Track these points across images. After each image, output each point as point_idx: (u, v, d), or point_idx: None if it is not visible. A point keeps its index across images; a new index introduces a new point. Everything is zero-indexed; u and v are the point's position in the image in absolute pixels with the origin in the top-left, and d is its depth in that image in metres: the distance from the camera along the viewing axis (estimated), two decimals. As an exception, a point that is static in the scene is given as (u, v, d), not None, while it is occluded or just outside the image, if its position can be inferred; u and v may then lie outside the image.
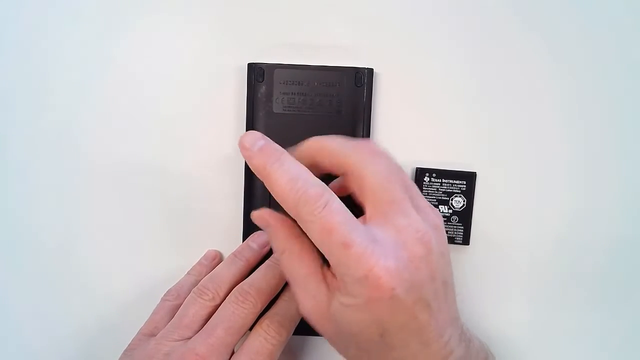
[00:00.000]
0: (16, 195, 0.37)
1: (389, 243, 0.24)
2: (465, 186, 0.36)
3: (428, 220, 0.26)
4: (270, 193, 0.35)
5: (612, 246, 0.36)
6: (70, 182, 0.37)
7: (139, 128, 0.36)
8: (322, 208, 0.24)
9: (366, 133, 0.35)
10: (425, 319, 0.25)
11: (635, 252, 0.36)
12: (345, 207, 0.25)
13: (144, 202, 0.37)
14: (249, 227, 0.35)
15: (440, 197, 0.36)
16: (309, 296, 0.26)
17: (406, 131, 0.36)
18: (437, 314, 0.25)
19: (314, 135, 0.34)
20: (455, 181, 0.36)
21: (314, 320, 0.27)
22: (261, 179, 0.26)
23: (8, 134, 0.36)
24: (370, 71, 0.35)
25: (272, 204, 0.35)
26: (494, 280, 0.37)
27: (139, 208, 0.37)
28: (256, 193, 0.35)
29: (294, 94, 0.34)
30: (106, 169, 0.36)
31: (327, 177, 0.28)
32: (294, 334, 0.31)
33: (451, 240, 0.36)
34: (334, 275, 0.26)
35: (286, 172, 0.25)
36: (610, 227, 0.36)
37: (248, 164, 0.27)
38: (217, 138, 0.36)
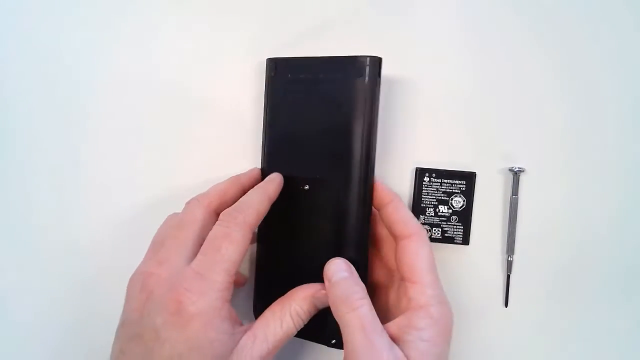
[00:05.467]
0: (18, 193, 0.37)
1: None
2: (464, 186, 0.36)
3: None
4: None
5: (610, 247, 0.37)
6: (71, 184, 0.37)
7: (154, 123, 0.37)
8: None
9: (367, 126, 0.33)
10: None
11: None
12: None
13: (153, 198, 0.37)
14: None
15: (440, 197, 0.36)
16: None
17: (406, 131, 0.36)
18: None
19: (324, 128, 0.33)
20: (454, 181, 0.36)
21: None
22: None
23: (13, 128, 0.36)
24: (379, 60, 0.32)
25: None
26: (493, 280, 0.37)
27: (149, 204, 0.37)
28: None
29: (305, 86, 0.33)
30: (119, 162, 0.37)
31: None
32: (295, 336, 0.31)
33: (451, 240, 0.36)
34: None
35: (359, 319, 0.27)
36: (609, 227, 0.37)
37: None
38: (232, 134, 0.37)
